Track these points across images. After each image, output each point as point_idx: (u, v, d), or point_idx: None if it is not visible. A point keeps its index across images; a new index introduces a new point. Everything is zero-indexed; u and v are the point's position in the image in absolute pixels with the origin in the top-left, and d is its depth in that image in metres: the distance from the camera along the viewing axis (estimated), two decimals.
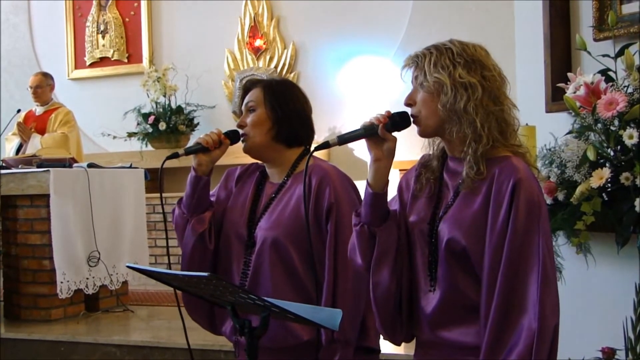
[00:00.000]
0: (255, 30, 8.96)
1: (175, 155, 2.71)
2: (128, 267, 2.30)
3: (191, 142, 8.76)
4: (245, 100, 2.80)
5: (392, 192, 2.35)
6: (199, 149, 2.72)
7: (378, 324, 2.36)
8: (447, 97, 2.18)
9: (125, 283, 6.47)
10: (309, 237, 2.50)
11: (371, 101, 7.93)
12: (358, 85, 8.40)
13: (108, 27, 9.69)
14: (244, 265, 2.76)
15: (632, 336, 2.88)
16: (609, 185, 2.83)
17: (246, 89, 2.85)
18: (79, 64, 9.87)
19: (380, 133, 2.22)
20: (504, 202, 2.12)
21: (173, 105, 8.94)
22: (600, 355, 2.98)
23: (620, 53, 2.98)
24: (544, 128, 3.28)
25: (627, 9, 3.24)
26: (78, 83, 9.82)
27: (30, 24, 10.15)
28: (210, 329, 2.91)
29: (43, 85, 7.54)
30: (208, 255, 2.80)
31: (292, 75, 8.73)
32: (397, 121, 2.25)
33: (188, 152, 2.72)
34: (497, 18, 7.11)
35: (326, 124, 8.28)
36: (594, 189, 2.82)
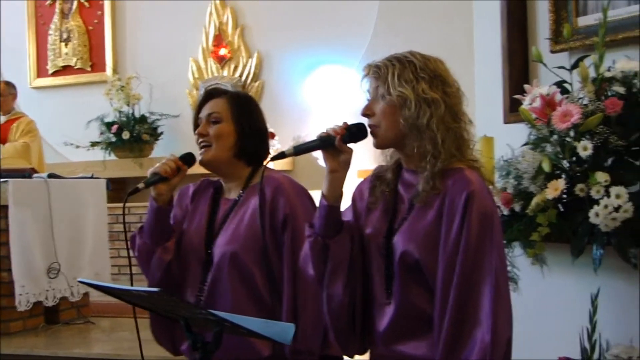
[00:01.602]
0: (219, 39, 8.95)
1: (135, 191, 2.62)
2: (80, 282, 2.28)
3: (155, 152, 8.78)
4: (209, 110, 2.75)
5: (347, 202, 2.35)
6: (158, 180, 2.66)
7: (332, 335, 2.36)
8: (410, 112, 2.17)
9: (86, 294, 6.39)
10: (265, 248, 2.49)
11: (336, 111, 7.94)
12: (322, 95, 8.41)
13: (71, 35, 9.62)
14: (201, 283, 2.73)
15: (587, 346, 2.90)
16: (564, 196, 2.85)
17: (207, 96, 2.80)
18: (41, 72, 9.80)
19: (336, 144, 2.21)
20: (457, 214, 2.12)
21: (137, 114, 8.90)
22: None
23: (575, 65, 3.00)
24: (502, 139, 3.29)
25: (583, 21, 3.27)
26: (40, 92, 9.74)
27: None
28: (172, 349, 2.88)
29: (5, 94, 7.48)
30: (174, 281, 2.77)
31: (256, 84, 8.73)
32: (354, 133, 2.24)
33: (148, 184, 2.64)
34: (458, 29, 7.15)
35: (290, 133, 8.28)
36: (549, 200, 2.83)
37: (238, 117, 2.73)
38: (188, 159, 2.71)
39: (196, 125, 2.77)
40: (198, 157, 2.74)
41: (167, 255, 2.73)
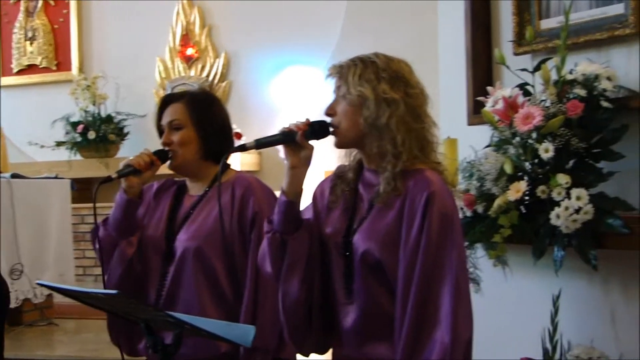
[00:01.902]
0: (187, 38, 8.90)
1: (108, 179, 2.64)
2: (39, 284, 2.26)
3: (121, 152, 8.73)
4: (169, 118, 2.74)
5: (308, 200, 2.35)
6: (131, 172, 2.66)
7: (286, 332, 2.35)
8: (369, 111, 2.17)
9: (50, 296, 6.34)
10: (225, 244, 2.49)
11: (303, 111, 7.92)
12: (290, 95, 8.40)
13: (36, 34, 9.53)
14: (161, 277, 2.73)
15: (549, 346, 2.93)
16: (526, 198, 2.87)
17: (166, 102, 2.79)
18: (5, 71, 9.69)
19: (298, 140, 2.21)
20: (418, 214, 2.12)
21: (103, 114, 8.83)
22: None
23: (537, 67, 3.02)
24: (465, 141, 3.30)
25: (546, 24, 3.29)
26: (5, 91, 9.61)
27: None
28: (128, 349, 2.86)
29: None
30: (135, 277, 2.76)
31: (224, 84, 8.70)
32: (316, 130, 2.24)
33: (121, 175, 2.66)
34: (424, 31, 7.15)
35: (258, 133, 8.20)
36: (511, 201, 2.86)
37: (199, 120, 2.73)
38: (162, 155, 2.72)
39: (159, 131, 2.77)
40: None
41: (130, 249, 2.73)
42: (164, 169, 2.76)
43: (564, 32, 2.95)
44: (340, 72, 2.24)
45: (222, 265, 2.66)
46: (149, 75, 9.02)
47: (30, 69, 9.58)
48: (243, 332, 2.05)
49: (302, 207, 2.31)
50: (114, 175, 2.66)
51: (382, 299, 2.20)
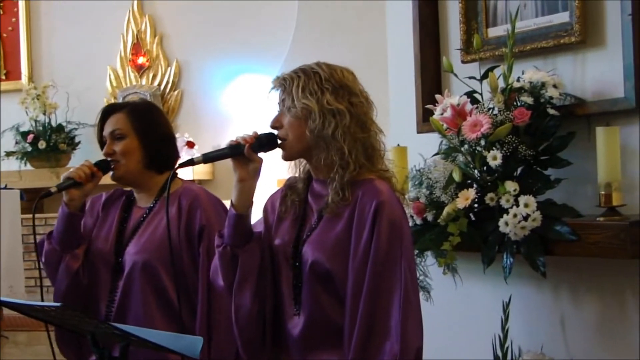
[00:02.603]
0: (138, 47, 8.83)
1: (48, 194, 2.61)
2: None
3: (72, 161, 8.62)
4: (111, 128, 2.71)
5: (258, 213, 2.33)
6: (72, 184, 2.63)
7: (240, 347, 2.33)
8: (315, 123, 2.17)
9: None
10: (172, 258, 2.46)
11: (256, 119, 7.91)
12: (242, 104, 8.37)
13: None
14: (111, 292, 2.69)
15: (500, 353, 2.95)
16: (475, 205, 2.88)
17: (107, 113, 2.76)
18: None
19: (246, 153, 2.20)
20: (366, 224, 2.12)
21: (53, 124, 8.71)
22: None
23: (485, 75, 3.04)
24: (415, 149, 3.32)
25: (493, 32, 3.31)
26: None
27: None
28: None
29: None
30: (83, 291, 2.72)
31: (175, 93, 8.64)
32: (264, 142, 2.23)
33: (61, 188, 2.62)
34: (374, 39, 7.16)
35: (210, 141, 8.20)
36: (460, 209, 2.87)
37: (140, 130, 2.70)
38: (103, 166, 2.69)
39: (101, 143, 2.74)
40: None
41: (75, 263, 2.69)
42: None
43: (510, 40, 2.98)
44: (284, 84, 2.23)
45: (171, 279, 2.63)
46: (100, 84, 8.92)
47: None
48: (191, 343, 2.02)
49: (253, 220, 2.30)
50: (53, 189, 2.61)
51: (329, 308, 2.19)
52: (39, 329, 6.27)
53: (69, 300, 2.66)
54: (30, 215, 7.08)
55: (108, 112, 2.76)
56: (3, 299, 2.11)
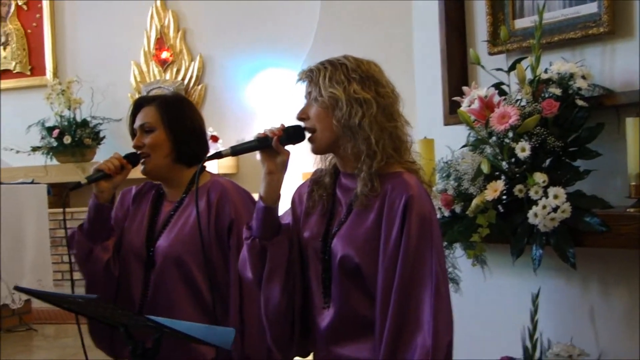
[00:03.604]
0: (161, 42, 8.88)
1: (78, 186, 2.64)
2: (16, 289, 2.24)
3: (97, 156, 8.68)
4: (141, 121, 2.73)
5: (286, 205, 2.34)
6: (102, 177, 2.65)
7: (269, 339, 2.34)
8: (342, 112, 2.17)
9: (28, 301, 6.31)
10: (204, 251, 2.48)
11: (279, 113, 7.93)
12: (266, 98, 8.40)
13: (9, 39, 9.47)
14: (144, 284, 2.72)
15: (529, 345, 2.94)
16: (504, 197, 2.88)
17: (137, 106, 2.78)
18: None
19: (273, 145, 2.21)
20: (396, 219, 2.12)
21: (78, 119, 8.79)
22: None
23: (512, 67, 3.03)
24: (442, 141, 3.31)
25: (520, 23, 3.30)
26: None
27: None
28: (111, 353, 2.84)
29: None
30: (113, 282, 2.74)
31: (199, 87, 8.68)
32: (291, 134, 2.24)
33: (91, 180, 2.64)
34: (398, 33, 7.18)
35: (235, 135, 8.24)
36: (488, 201, 2.86)
37: (170, 123, 2.71)
38: (132, 159, 2.71)
39: (133, 135, 2.76)
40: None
41: (105, 254, 2.71)
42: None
43: (538, 32, 2.96)
44: (310, 76, 2.23)
45: (201, 272, 2.65)
46: (124, 79, 8.99)
47: (4, 74, 9.51)
48: (223, 335, 2.04)
49: (280, 212, 2.30)
50: (83, 182, 2.64)
51: (358, 302, 2.20)
52: (66, 321, 6.35)
53: (99, 292, 2.68)
54: (56, 210, 7.21)
55: (139, 105, 2.78)
56: (38, 290, 2.13)
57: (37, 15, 9.38)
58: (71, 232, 2.76)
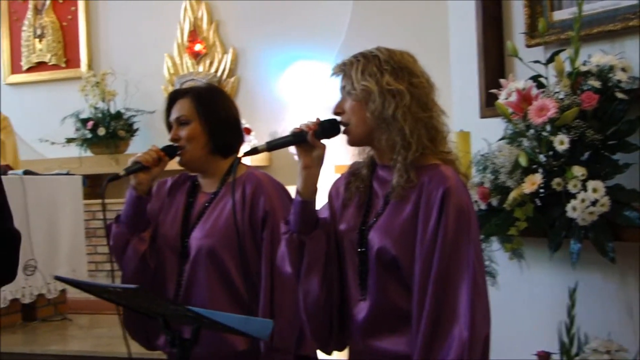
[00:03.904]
0: (194, 34, 8.91)
1: (116, 177, 2.66)
2: (57, 278, 2.27)
3: (131, 148, 8.74)
4: (176, 114, 2.75)
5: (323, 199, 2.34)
6: (139, 168, 2.67)
7: (309, 333, 2.35)
8: (375, 104, 2.17)
9: (63, 291, 6.37)
10: (239, 243, 2.49)
11: (312, 106, 7.94)
12: (299, 90, 8.40)
13: (45, 31, 9.55)
14: (178, 275, 2.74)
15: (566, 340, 2.92)
16: (542, 190, 2.86)
17: (172, 99, 2.79)
18: (15, 68, 9.71)
19: (309, 140, 2.21)
20: (434, 210, 2.12)
21: (112, 111, 8.85)
22: (535, 359, 3.01)
23: (550, 59, 3.01)
24: (478, 134, 3.30)
25: (558, 15, 3.27)
26: (14, 88, 9.65)
27: None
28: (146, 344, 2.87)
29: None
30: (149, 274, 2.76)
31: (232, 79, 8.70)
32: (327, 128, 2.24)
33: (129, 172, 2.67)
34: (433, 24, 7.14)
35: (267, 128, 8.26)
36: (526, 194, 2.84)
37: (205, 115, 2.73)
38: (170, 151, 2.73)
39: (169, 128, 2.78)
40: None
41: (142, 246, 2.73)
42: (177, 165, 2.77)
43: (577, 24, 2.94)
44: (344, 69, 2.23)
45: (235, 264, 2.66)
46: (157, 71, 9.03)
47: (39, 66, 9.60)
48: (261, 326, 2.06)
49: (317, 206, 2.31)
50: (121, 173, 2.67)
51: (395, 294, 2.20)
52: (100, 312, 6.41)
53: (135, 282, 2.70)
54: (90, 201, 7.24)
55: (174, 97, 2.79)
56: (78, 280, 2.16)
57: (72, 8, 9.44)
58: (108, 224, 2.79)
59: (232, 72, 8.78)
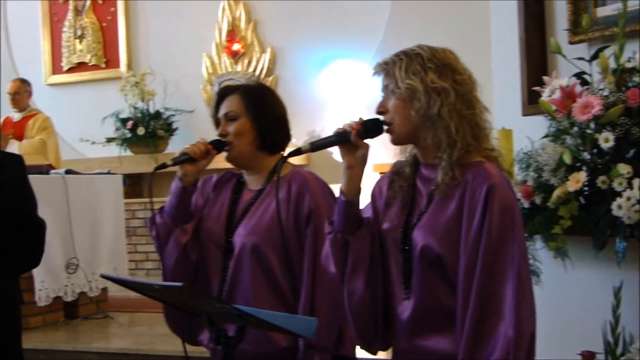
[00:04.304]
0: (233, 34, 8.95)
1: (163, 166, 2.69)
2: (103, 276, 2.29)
3: (170, 147, 8.81)
4: (225, 110, 2.77)
5: (366, 198, 2.33)
6: (187, 160, 2.68)
7: (354, 333, 2.34)
8: (420, 103, 2.15)
9: (104, 289, 6.44)
10: (283, 241, 2.50)
11: (350, 105, 7.94)
12: (337, 89, 8.41)
13: (85, 32, 9.66)
14: (222, 271, 2.75)
15: (611, 339, 2.89)
16: (586, 188, 2.83)
17: (222, 95, 2.81)
18: (56, 69, 9.84)
19: (352, 140, 2.20)
20: (478, 208, 2.10)
21: (151, 110, 8.93)
22: (579, 359, 2.98)
23: (595, 56, 2.98)
24: (520, 131, 3.27)
25: (602, 12, 3.24)
26: (55, 88, 9.77)
27: (6, 30, 10.09)
28: (188, 340, 2.88)
29: (21, 92, 7.51)
30: (191, 266, 2.78)
31: (270, 79, 8.73)
32: (370, 128, 2.23)
33: (176, 162, 2.68)
34: (473, 21, 7.12)
35: (305, 127, 8.28)
36: (570, 192, 2.82)
37: (253, 111, 2.74)
38: (218, 145, 2.74)
39: (217, 125, 2.80)
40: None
41: (184, 237, 2.75)
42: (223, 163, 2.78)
43: (621, 19, 2.91)
44: (386, 68, 2.22)
45: (279, 262, 2.67)
46: (196, 71, 9.09)
47: (79, 66, 9.72)
48: (306, 324, 2.06)
49: (361, 206, 2.30)
50: (169, 162, 2.69)
51: (440, 292, 2.18)
52: (140, 310, 6.46)
53: (177, 275, 2.72)
54: (131, 200, 7.30)
55: (223, 94, 2.81)
56: (124, 278, 2.18)
57: (112, 9, 9.54)
58: (152, 215, 2.81)
59: (270, 72, 8.81)
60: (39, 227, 3.15)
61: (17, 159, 3.19)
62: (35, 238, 3.13)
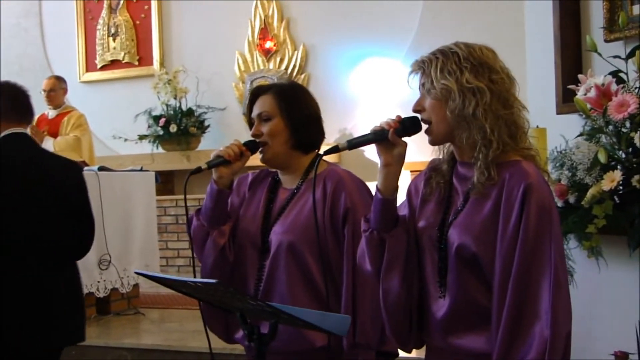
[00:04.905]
0: (265, 32, 8.97)
1: (198, 170, 2.68)
2: (137, 273, 2.30)
3: (202, 145, 8.84)
4: (258, 110, 2.76)
5: (402, 197, 2.33)
6: (221, 162, 2.69)
7: (389, 330, 2.34)
8: (455, 103, 2.14)
9: (136, 286, 6.47)
10: (318, 240, 2.50)
11: (382, 103, 7.92)
12: (369, 87, 8.39)
13: (119, 30, 9.72)
14: (259, 270, 2.75)
15: None
16: (621, 188, 2.81)
17: (255, 95, 2.82)
18: (90, 67, 9.91)
19: (390, 138, 2.20)
20: (515, 207, 2.09)
21: (184, 108, 8.96)
22: (613, 359, 2.96)
23: (631, 54, 2.95)
24: (554, 130, 3.26)
25: (638, 9, 3.21)
26: (89, 86, 9.85)
27: (41, 28, 10.19)
28: (225, 337, 2.89)
29: (56, 89, 7.56)
30: (228, 267, 2.79)
31: (302, 76, 8.73)
32: (408, 126, 2.22)
33: (211, 165, 2.68)
34: (507, 19, 7.08)
35: (337, 125, 8.28)
36: (605, 191, 2.80)
37: (287, 111, 2.74)
38: (252, 146, 2.74)
39: (251, 125, 2.80)
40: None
41: (221, 239, 2.76)
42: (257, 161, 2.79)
43: None
44: (422, 67, 2.21)
45: (315, 260, 2.67)
46: (229, 68, 9.11)
47: (113, 64, 9.78)
48: (339, 322, 2.05)
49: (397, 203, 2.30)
50: (203, 166, 2.69)
51: (475, 291, 2.17)
52: (171, 306, 6.50)
53: (215, 276, 2.73)
54: (162, 197, 7.31)
55: (256, 94, 2.81)
56: (157, 275, 2.18)
57: (145, 7, 9.60)
58: (189, 217, 2.82)
59: (302, 69, 8.81)
60: (92, 220, 3.66)
61: (76, 163, 3.88)
62: (89, 229, 3.65)
